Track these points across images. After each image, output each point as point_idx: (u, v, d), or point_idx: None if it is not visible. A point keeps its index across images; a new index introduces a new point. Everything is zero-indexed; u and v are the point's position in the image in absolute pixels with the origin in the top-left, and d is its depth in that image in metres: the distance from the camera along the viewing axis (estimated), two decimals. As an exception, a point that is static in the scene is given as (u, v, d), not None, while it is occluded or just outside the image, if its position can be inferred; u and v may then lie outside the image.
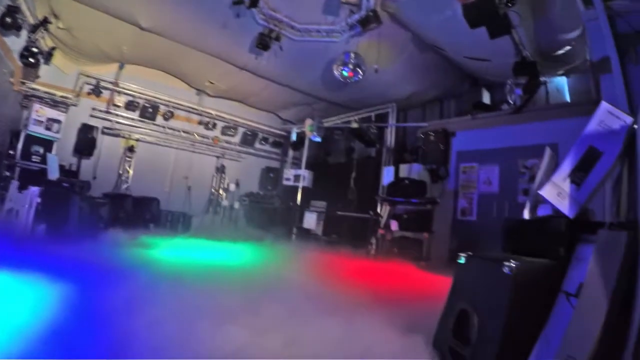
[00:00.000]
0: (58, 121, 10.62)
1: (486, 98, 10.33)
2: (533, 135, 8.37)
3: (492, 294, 3.06)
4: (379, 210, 10.62)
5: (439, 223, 9.74)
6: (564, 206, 3.20)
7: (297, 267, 7.48)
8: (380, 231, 10.18)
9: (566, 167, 3.25)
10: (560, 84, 9.81)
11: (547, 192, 3.33)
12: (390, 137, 11.98)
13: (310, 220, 12.13)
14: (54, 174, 9.18)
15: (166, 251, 8.45)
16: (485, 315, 3.07)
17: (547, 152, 4.12)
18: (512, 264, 2.93)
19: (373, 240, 10.17)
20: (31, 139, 10.17)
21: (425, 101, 12.49)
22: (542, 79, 8.97)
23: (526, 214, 3.99)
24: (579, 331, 2.56)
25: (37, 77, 10.67)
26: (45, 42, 10.37)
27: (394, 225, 9.83)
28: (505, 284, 2.92)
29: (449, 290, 3.65)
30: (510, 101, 9.26)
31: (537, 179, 4.06)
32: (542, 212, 3.86)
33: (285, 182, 14.21)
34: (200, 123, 14.56)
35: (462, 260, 3.61)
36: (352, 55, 9.52)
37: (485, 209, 9.19)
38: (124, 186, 12.99)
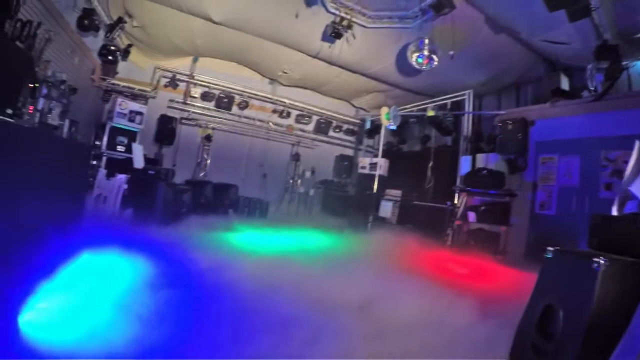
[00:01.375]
0: (140, 113, 11.11)
1: (565, 84, 9.84)
2: (616, 125, 7.84)
3: (579, 289, 2.96)
4: (456, 200, 10.41)
5: (516, 216, 9.40)
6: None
7: (379, 255, 7.57)
8: (457, 222, 10.00)
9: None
10: (644, 69, 9.25)
11: (637, 188, 3.20)
12: (467, 125, 11.58)
13: (386, 209, 12.08)
14: (139, 163, 9.59)
15: (248, 236, 8.74)
16: (571, 311, 2.97)
17: (637, 145, 3.92)
18: (600, 260, 2.84)
19: (449, 231, 9.98)
20: (116, 131, 10.75)
21: (500, 87, 12.11)
22: (624, 63, 8.46)
23: (614, 210, 3.84)
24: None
25: (116, 73, 11.34)
26: (121, 40, 11.00)
27: (472, 217, 9.59)
28: (592, 280, 2.82)
29: (534, 285, 3.56)
30: (591, 87, 8.76)
31: (626, 174, 3.89)
32: (629, 208, 3.71)
33: (360, 171, 14.18)
34: (274, 112, 14.83)
35: (549, 255, 3.50)
36: (426, 41, 9.32)
37: (564, 203, 8.75)
38: (201, 173, 13.47)
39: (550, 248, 3.45)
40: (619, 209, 3.79)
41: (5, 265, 3.10)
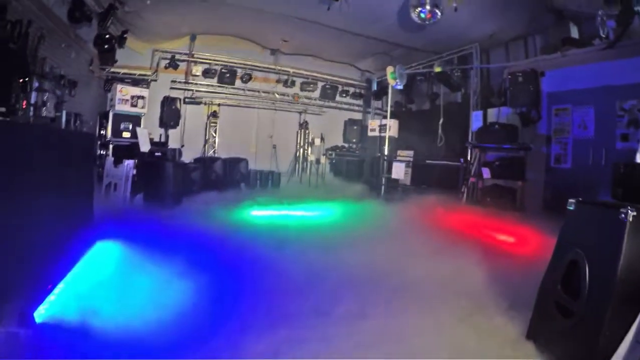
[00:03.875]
0: (142, 97, 11.00)
1: (574, 32, 9.54)
2: (630, 73, 7.59)
3: (606, 243, 2.81)
4: (469, 157, 10.25)
5: (531, 170, 9.29)
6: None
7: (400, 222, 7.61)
8: (471, 179, 9.84)
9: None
10: (658, 13, 8.90)
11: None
12: (475, 80, 11.42)
13: (399, 170, 11.90)
14: (145, 146, 9.56)
15: (262, 210, 8.63)
16: (598, 266, 2.83)
17: None
18: (628, 210, 2.67)
19: (464, 189, 9.84)
20: (119, 117, 10.65)
21: (508, 39, 11.75)
22: (636, 7, 8.11)
23: (639, 158, 3.68)
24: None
25: (115, 61, 11.18)
26: (116, 27, 10.78)
27: (486, 173, 9.43)
28: (620, 232, 2.67)
29: (557, 240, 3.39)
30: (603, 35, 8.42)
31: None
32: None
33: (370, 134, 14.06)
34: (278, 82, 14.65)
35: (571, 207, 3.31)
36: (428, -7, 9.05)
37: (580, 155, 8.63)
38: (211, 151, 13.51)
39: (572, 200, 3.29)
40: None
41: (18, 262, 3.17)
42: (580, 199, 3.27)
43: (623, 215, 2.68)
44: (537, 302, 3.37)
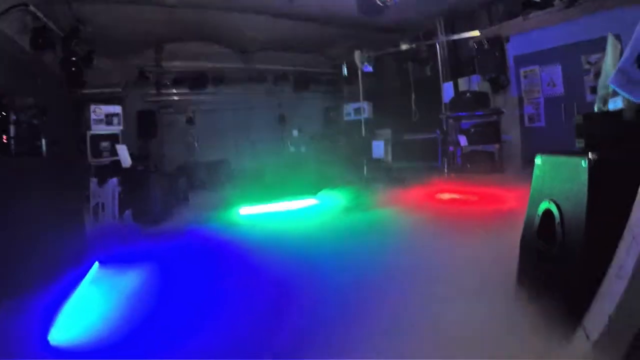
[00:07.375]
0: (116, 114, 10.94)
1: (535, -5, 9.77)
2: (593, 28, 7.78)
3: (572, 190, 2.96)
4: (444, 127, 10.48)
5: (507, 133, 9.55)
6: (637, 92, 3.02)
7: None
8: (450, 148, 10.07)
9: (632, 51, 3.04)
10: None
11: (615, 80, 3.15)
12: (443, 52, 11.61)
13: (379, 150, 12.06)
14: (126, 163, 9.59)
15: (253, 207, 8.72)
16: (568, 212, 2.98)
17: (610, 39, 3.83)
18: (589, 156, 2.78)
19: (444, 159, 10.06)
20: (97, 138, 10.57)
21: (471, 10, 11.89)
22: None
23: (596, 108, 3.81)
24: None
25: (84, 82, 11.03)
26: (80, 48, 10.57)
27: (463, 141, 9.66)
28: (583, 178, 2.82)
29: (530, 194, 3.59)
30: None
31: (603, 69, 3.84)
32: (612, 105, 3.65)
33: (346, 118, 14.19)
34: (250, 79, 14.64)
35: (539, 162, 3.51)
36: (386, -25, 9.13)
37: (552, 113, 8.90)
38: (191, 157, 13.48)
39: (538, 154, 3.51)
40: (602, 107, 3.76)
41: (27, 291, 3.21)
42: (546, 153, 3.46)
43: (584, 162, 2.82)
44: (521, 251, 3.58)
